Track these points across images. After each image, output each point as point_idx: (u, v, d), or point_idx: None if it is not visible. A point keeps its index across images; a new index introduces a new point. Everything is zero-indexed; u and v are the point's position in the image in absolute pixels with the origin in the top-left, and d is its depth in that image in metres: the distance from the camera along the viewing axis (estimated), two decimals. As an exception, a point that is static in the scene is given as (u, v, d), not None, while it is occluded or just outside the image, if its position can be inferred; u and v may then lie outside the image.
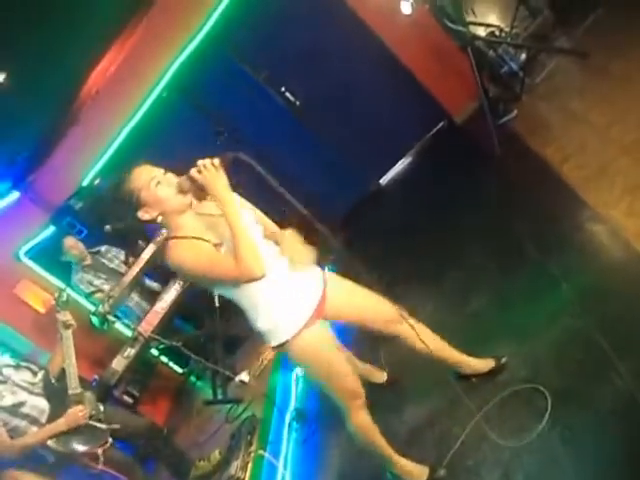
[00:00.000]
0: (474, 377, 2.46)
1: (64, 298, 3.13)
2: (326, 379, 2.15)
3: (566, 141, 3.58)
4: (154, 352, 4.93)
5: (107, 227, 4.61)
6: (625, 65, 3.61)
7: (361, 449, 2.37)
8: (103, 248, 4.81)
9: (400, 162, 5.88)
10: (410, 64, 5.27)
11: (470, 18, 5.02)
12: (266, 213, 2.26)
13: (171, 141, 4.70)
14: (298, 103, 5.44)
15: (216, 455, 3.41)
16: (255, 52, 5.14)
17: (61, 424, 2.85)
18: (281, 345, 2.06)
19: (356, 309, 2.26)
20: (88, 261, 4.67)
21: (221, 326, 4.26)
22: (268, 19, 4.90)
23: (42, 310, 4.75)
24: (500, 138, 4.23)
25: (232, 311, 4.95)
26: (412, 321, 2.30)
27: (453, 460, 2.26)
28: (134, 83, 5.11)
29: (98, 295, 4.46)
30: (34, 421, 2.87)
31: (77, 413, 2.89)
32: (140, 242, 4.73)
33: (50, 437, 2.82)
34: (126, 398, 4.60)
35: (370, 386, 2.88)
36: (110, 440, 2.95)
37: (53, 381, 3.04)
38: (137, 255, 4.32)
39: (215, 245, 1.90)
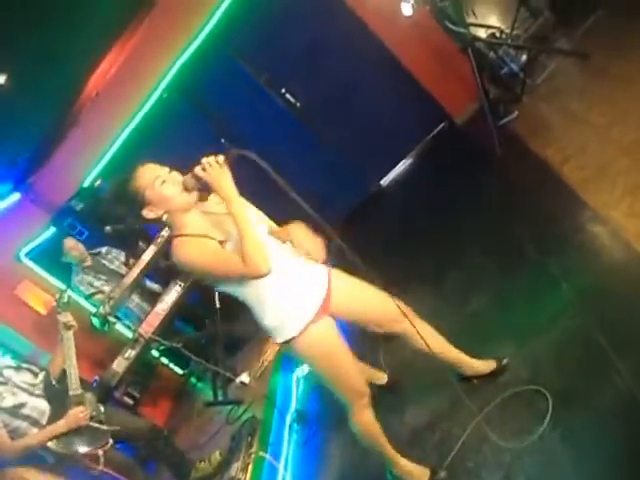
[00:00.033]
0: (475, 378, 2.46)
1: (65, 299, 3.13)
2: (332, 375, 2.15)
3: (566, 142, 3.58)
4: (155, 353, 4.93)
5: (107, 228, 4.62)
6: (625, 66, 3.62)
7: (362, 450, 2.37)
8: (103, 249, 4.81)
9: (401, 163, 5.88)
10: (411, 65, 5.27)
11: (471, 19, 5.03)
12: (270, 211, 2.26)
13: (172, 142, 4.70)
14: (299, 104, 5.45)
15: (217, 456, 3.40)
16: (256, 53, 5.15)
17: (62, 425, 2.85)
18: (288, 341, 2.06)
19: (361, 305, 2.25)
20: (88, 262, 4.67)
21: (222, 327, 4.26)
22: (269, 20, 4.91)
23: (43, 311, 4.76)
24: (501, 139, 4.23)
25: (233, 312, 4.98)
26: (417, 320, 2.31)
27: (454, 462, 2.25)
28: (135, 84, 5.11)
29: (98, 296, 4.47)
30: (35, 422, 2.87)
31: (78, 414, 2.88)
32: (141, 243, 4.74)
33: (51, 438, 2.82)
34: (127, 399, 4.60)
35: (371, 388, 2.89)
36: (111, 441, 2.95)
37: (54, 382, 3.04)
38: (138, 256, 4.32)
39: (220, 242, 1.91)
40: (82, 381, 3.05)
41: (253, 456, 3.05)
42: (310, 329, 2.05)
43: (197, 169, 1.88)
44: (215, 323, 4.26)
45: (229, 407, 3.88)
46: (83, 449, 2.86)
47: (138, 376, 4.72)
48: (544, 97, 4.51)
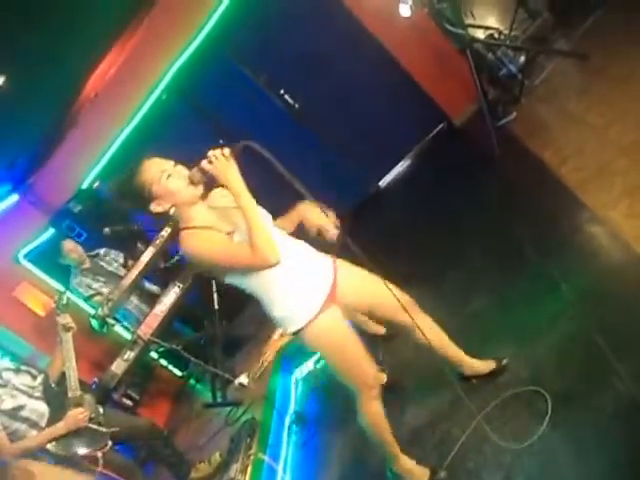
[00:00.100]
0: (475, 378, 2.46)
1: (64, 301, 3.13)
2: (342, 365, 2.15)
3: (565, 142, 3.58)
4: (153, 355, 4.93)
5: (106, 230, 4.62)
6: (624, 66, 3.62)
7: (361, 451, 2.37)
8: (102, 251, 4.81)
9: (399, 164, 5.88)
10: (409, 67, 5.27)
11: (469, 21, 5.03)
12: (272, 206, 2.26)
13: (171, 143, 4.65)
14: (297, 105, 5.45)
15: (217, 457, 3.41)
16: (255, 54, 5.15)
17: (61, 427, 2.84)
18: (297, 332, 2.07)
19: (366, 296, 2.25)
20: (87, 264, 4.66)
21: (221, 329, 4.25)
22: (268, 22, 4.92)
23: (42, 313, 4.74)
24: (499, 140, 4.23)
25: (231, 313, 4.97)
26: (420, 313, 2.32)
27: (454, 462, 2.25)
28: (133, 85, 5.11)
29: (97, 298, 4.46)
30: (34, 425, 2.87)
31: (77, 416, 2.88)
32: (139, 245, 4.74)
33: (50, 440, 2.81)
34: (126, 401, 4.60)
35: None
36: (110, 443, 2.95)
37: (53, 384, 3.03)
38: (136, 258, 4.32)
39: (227, 234, 1.92)
40: (81, 383, 3.04)
41: (252, 457, 3.04)
42: (318, 319, 2.05)
43: (203, 162, 1.89)
44: (214, 324, 4.26)
45: (228, 408, 3.87)
46: (82, 451, 2.86)
47: (137, 378, 4.71)
48: (542, 98, 4.52)
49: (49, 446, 2.80)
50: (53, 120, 4.63)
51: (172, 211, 1.96)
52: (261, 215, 1.94)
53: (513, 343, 2.52)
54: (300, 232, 2.23)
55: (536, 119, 4.37)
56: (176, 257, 4.52)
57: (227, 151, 1.87)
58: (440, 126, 5.67)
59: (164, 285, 4.38)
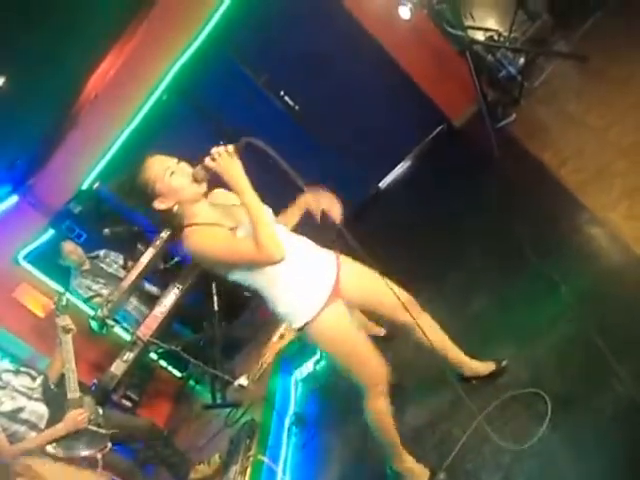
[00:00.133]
0: (475, 379, 2.46)
1: (64, 302, 3.12)
2: (348, 359, 2.13)
3: (564, 144, 3.58)
4: (153, 356, 4.93)
5: (106, 231, 4.63)
6: (623, 68, 3.63)
7: (361, 452, 2.36)
8: (102, 252, 4.81)
9: (399, 166, 5.89)
10: (409, 68, 5.28)
11: (469, 22, 5.04)
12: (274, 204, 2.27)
13: (171, 144, 4.66)
14: (297, 107, 5.45)
15: (216, 459, 3.40)
16: (255, 56, 5.16)
17: (60, 429, 2.84)
18: (302, 327, 2.06)
19: (368, 292, 2.24)
20: (87, 266, 4.66)
21: (220, 330, 4.25)
22: (268, 23, 4.92)
23: (41, 314, 4.74)
24: (499, 142, 4.24)
25: (231, 315, 4.97)
26: (422, 313, 2.33)
27: (453, 463, 2.25)
28: (134, 86, 5.11)
29: (97, 300, 4.46)
30: (33, 426, 2.86)
31: (76, 417, 2.88)
32: (139, 246, 4.74)
33: (49, 442, 2.81)
34: (125, 402, 4.59)
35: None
36: (109, 445, 2.94)
37: (52, 386, 3.03)
38: (136, 259, 4.31)
39: (231, 229, 1.92)
40: (80, 384, 3.04)
41: (252, 459, 3.03)
42: (323, 314, 2.04)
43: (207, 160, 1.89)
44: (213, 326, 4.25)
45: (227, 410, 3.87)
46: (82, 452, 2.85)
47: (136, 379, 4.71)
48: (542, 100, 4.52)
49: (49, 448, 2.80)
50: (53, 121, 4.63)
51: (175, 208, 1.96)
52: (265, 211, 1.94)
53: (513, 344, 2.52)
54: (302, 229, 2.23)
55: (536, 121, 4.37)
56: (176, 258, 4.53)
57: (230, 148, 1.88)
58: (440, 128, 5.68)
59: (164, 286, 4.38)
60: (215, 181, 1.96)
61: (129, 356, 3.75)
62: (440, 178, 4.87)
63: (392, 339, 2.95)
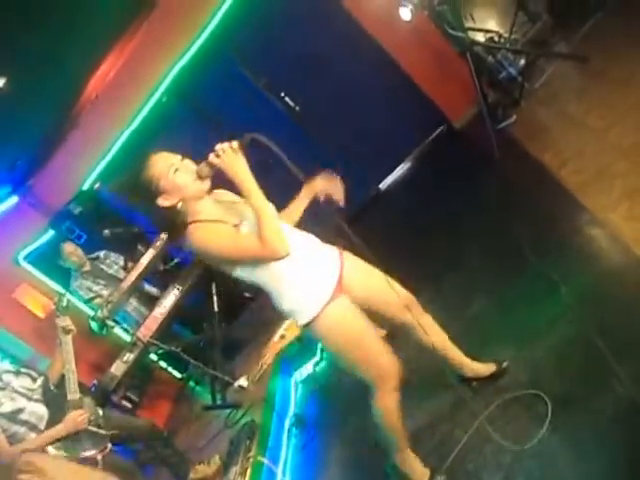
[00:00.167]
0: (475, 380, 2.45)
1: (64, 303, 3.12)
2: (356, 355, 2.10)
3: (565, 145, 3.58)
4: (153, 357, 4.92)
5: (106, 232, 4.62)
6: (624, 69, 3.63)
7: (362, 453, 2.35)
8: (102, 254, 4.81)
9: (400, 167, 5.89)
10: (410, 69, 5.29)
11: (469, 24, 5.04)
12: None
13: (171, 145, 4.68)
14: (298, 108, 5.45)
15: (216, 460, 3.39)
16: (255, 57, 5.15)
17: (60, 430, 2.83)
18: (308, 324, 2.04)
19: (370, 290, 2.21)
20: (87, 267, 4.67)
21: (220, 331, 4.25)
22: (268, 25, 4.93)
23: (41, 315, 4.74)
24: (499, 143, 4.24)
25: (231, 316, 4.96)
26: (424, 314, 2.32)
27: (454, 463, 2.25)
28: (134, 87, 5.12)
29: (97, 301, 4.46)
30: (33, 427, 2.86)
31: (76, 418, 2.87)
32: (139, 247, 4.73)
33: (49, 443, 2.80)
34: (125, 403, 4.59)
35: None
36: (109, 445, 2.94)
37: (52, 387, 3.03)
38: (136, 260, 4.31)
39: (234, 226, 1.93)
40: (80, 385, 3.03)
41: (251, 460, 3.03)
42: (328, 309, 2.02)
43: (211, 156, 1.89)
44: (213, 327, 4.25)
45: (228, 411, 3.86)
46: (82, 453, 2.85)
47: (136, 380, 4.71)
48: (542, 101, 4.53)
49: (49, 449, 2.80)
50: (53, 121, 4.63)
51: (179, 205, 1.95)
52: (270, 207, 1.93)
53: (513, 345, 2.51)
54: (305, 225, 2.23)
55: (536, 122, 4.37)
56: (175, 259, 4.53)
57: (235, 144, 1.88)
58: (440, 129, 5.68)
59: (164, 287, 4.38)
60: (219, 178, 1.96)
61: (129, 357, 3.75)
62: (440, 179, 4.87)
63: (392, 340, 2.95)
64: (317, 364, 3.84)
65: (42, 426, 2.87)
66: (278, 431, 3.33)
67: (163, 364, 5.18)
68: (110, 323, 3.87)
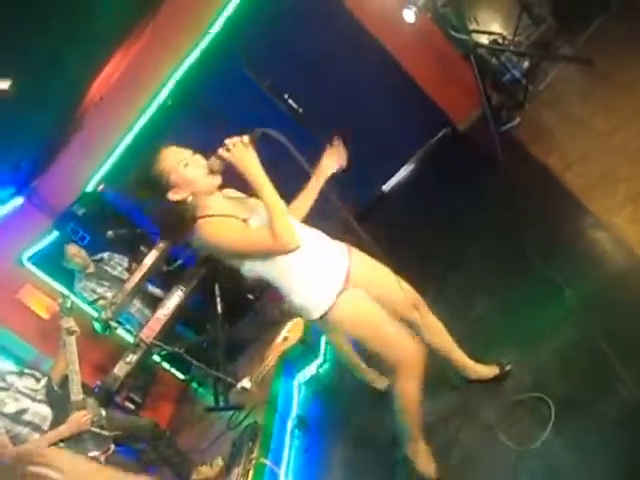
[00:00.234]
0: (478, 383, 2.45)
1: (68, 304, 3.13)
2: (375, 341, 2.10)
3: (569, 148, 3.58)
4: (156, 358, 4.93)
5: (109, 233, 4.63)
6: (628, 72, 3.62)
7: (363, 454, 2.35)
8: (106, 255, 4.81)
9: (403, 168, 5.89)
10: (413, 72, 5.29)
11: (473, 26, 5.04)
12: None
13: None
14: (301, 110, 5.46)
15: (219, 462, 3.39)
16: (259, 60, 5.16)
17: (63, 430, 2.84)
18: (322, 317, 2.04)
19: (376, 285, 2.20)
20: (91, 269, 4.67)
21: (223, 333, 4.25)
22: (272, 27, 4.94)
23: (45, 315, 4.75)
24: (503, 145, 4.24)
25: (234, 317, 4.96)
26: (430, 314, 2.32)
27: (455, 465, 2.24)
28: (138, 89, 5.13)
29: (101, 302, 4.47)
30: (36, 428, 2.86)
31: (80, 419, 2.87)
32: (142, 248, 4.74)
33: (52, 444, 2.81)
34: (128, 404, 4.59)
35: (373, 392, 2.89)
36: (112, 447, 2.94)
37: (56, 388, 3.03)
38: (140, 261, 4.32)
39: (244, 220, 1.93)
40: (84, 386, 3.04)
41: (254, 462, 3.03)
42: (339, 301, 2.03)
43: (221, 150, 1.90)
44: (216, 328, 4.25)
45: (230, 412, 3.86)
46: (85, 454, 2.85)
47: (139, 381, 4.71)
48: (546, 103, 4.52)
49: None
50: (58, 123, 4.64)
51: (190, 199, 1.95)
52: (281, 201, 1.94)
53: (517, 348, 2.51)
54: (313, 222, 2.23)
55: (540, 124, 4.37)
56: (179, 261, 4.53)
57: (245, 138, 1.88)
58: (444, 131, 5.68)
59: (167, 289, 4.38)
60: (230, 173, 1.96)
61: (132, 358, 3.75)
62: (444, 181, 4.87)
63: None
64: (320, 366, 3.84)
65: (46, 427, 2.87)
66: (281, 433, 3.32)
67: (166, 365, 5.18)
68: (113, 324, 3.87)
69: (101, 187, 5.23)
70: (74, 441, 2.84)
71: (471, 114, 5.33)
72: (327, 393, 3.56)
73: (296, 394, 3.77)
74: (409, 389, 2.11)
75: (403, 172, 5.89)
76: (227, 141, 1.89)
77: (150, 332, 3.86)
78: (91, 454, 2.85)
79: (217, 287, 4.28)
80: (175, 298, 4.07)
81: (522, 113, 4.60)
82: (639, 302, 2.24)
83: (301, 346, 3.94)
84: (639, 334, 2.11)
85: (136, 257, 4.71)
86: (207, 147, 2.00)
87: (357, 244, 2.22)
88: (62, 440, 2.81)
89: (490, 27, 5.28)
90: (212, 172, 1.94)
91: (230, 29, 5.05)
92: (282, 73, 5.25)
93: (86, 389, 3.12)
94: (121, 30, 4.44)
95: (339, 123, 5.46)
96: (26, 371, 3.01)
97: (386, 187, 5.93)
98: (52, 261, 4.87)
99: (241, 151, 1.87)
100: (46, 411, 2.91)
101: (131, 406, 4.61)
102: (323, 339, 3.92)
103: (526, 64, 4.95)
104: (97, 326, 3.88)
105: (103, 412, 3.06)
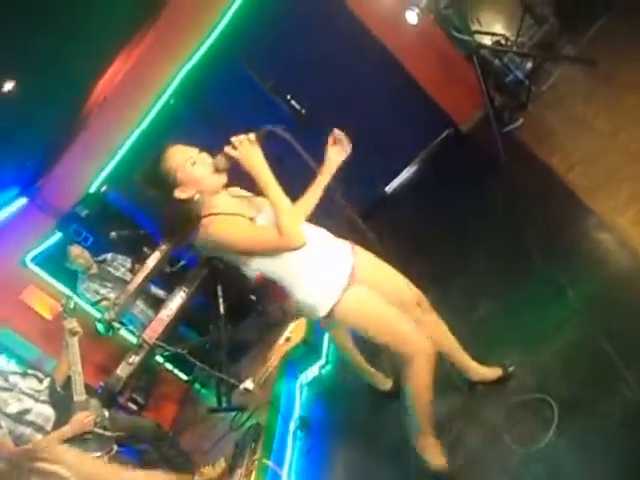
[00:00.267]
0: (482, 384, 2.45)
1: (71, 305, 3.14)
2: (383, 336, 2.09)
3: (572, 149, 3.57)
4: (159, 359, 4.93)
5: (112, 234, 4.64)
6: (631, 72, 3.62)
7: (365, 455, 2.34)
8: (109, 256, 4.82)
9: (406, 170, 5.89)
10: (416, 73, 5.29)
11: (475, 27, 5.04)
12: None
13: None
14: (304, 111, 5.46)
15: (221, 463, 3.39)
16: (261, 60, 5.17)
17: (66, 431, 2.84)
18: (328, 314, 2.04)
19: (380, 284, 2.20)
20: (94, 270, 4.68)
21: (226, 334, 4.25)
22: (274, 28, 4.94)
23: (48, 316, 4.76)
24: (506, 146, 4.23)
25: (237, 318, 4.96)
26: (433, 314, 2.32)
27: (459, 466, 2.24)
28: (142, 90, 5.14)
29: (104, 303, 4.47)
30: (39, 429, 2.87)
31: (82, 420, 2.88)
32: (145, 249, 4.75)
33: (55, 444, 2.81)
34: (131, 405, 4.60)
35: (376, 393, 2.88)
36: (115, 447, 2.95)
37: (59, 388, 3.04)
38: (143, 262, 4.32)
39: (250, 219, 1.94)
40: (87, 387, 3.04)
41: (256, 463, 3.03)
42: (345, 296, 2.03)
43: (227, 148, 1.90)
44: (219, 329, 4.25)
45: (233, 413, 3.86)
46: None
47: (142, 382, 4.71)
48: (549, 104, 4.51)
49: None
50: (62, 124, 4.65)
51: (196, 198, 1.95)
52: (286, 198, 1.94)
53: (520, 349, 2.50)
54: (317, 220, 2.23)
55: (543, 125, 4.36)
56: (182, 262, 4.53)
57: (251, 136, 1.88)
58: (447, 132, 5.68)
59: (170, 289, 4.38)
60: (236, 170, 1.96)
61: (135, 359, 3.75)
62: (447, 182, 4.86)
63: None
64: (323, 367, 3.84)
65: (49, 427, 2.88)
66: (283, 434, 3.32)
67: (169, 366, 5.18)
68: (116, 325, 3.88)
69: (104, 188, 5.24)
70: (77, 442, 2.84)
71: (474, 115, 5.32)
72: (330, 394, 3.56)
73: (299, 395, 3.77)
74: (421, 381, 2.10)
75: (406, 173, 5.88)
76: (233, 139, 1.89)
77: (153, 333, 3.86)
78: (94, 455, 2.85)
79: (220, 288, 4.28)
80: (178, 299, 4.07)
81: (525, 114, 4.59)
82: (642, 303, 2.24)
83: (304, 347, 3.94)
84: (642, 335, 2.10)
85: (139, 258, 4.72)
86: (210, 149, 2.01)
87: (362, 243, 2.23)
88: (65, 441, 2.82)
89: (493, 28, 5.28)
90: (218, 170, 1.95)
91: (233, 30, 5.06)
92: (285, 74, 5.26)
93: (89, 390, 3.12)
94: (125, 31, 4.45)
95: (341, 124, 5.49)
96: (29, 372, 3.02)
97: (389, 188, 5.93)
98: (55, 262, 4.88)
99: (247, 149, 1.87)
100: (49, 412, 2.92)
101: (134, 407, 4.61)
102: (326, 340, 3.92)
103: (529, 65, 4.95)
104: (100, 327, 3.88)
105: (106, 413, 3.06)
